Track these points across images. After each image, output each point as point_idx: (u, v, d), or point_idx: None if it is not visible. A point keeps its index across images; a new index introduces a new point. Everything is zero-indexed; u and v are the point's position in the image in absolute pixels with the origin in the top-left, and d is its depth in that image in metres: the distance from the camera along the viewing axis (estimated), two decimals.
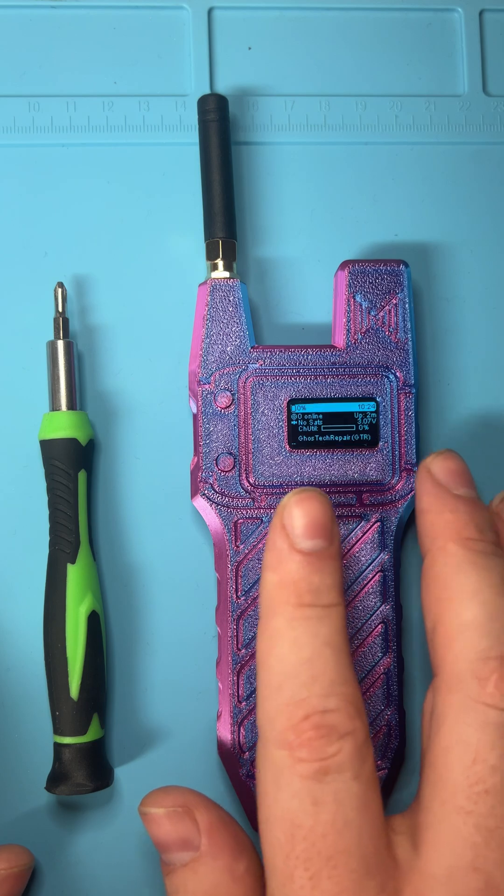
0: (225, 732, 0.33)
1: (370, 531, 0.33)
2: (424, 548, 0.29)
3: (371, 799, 0.26)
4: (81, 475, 0.33)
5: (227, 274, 0.34)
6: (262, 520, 0.33)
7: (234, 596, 0.33)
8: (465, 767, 0.25)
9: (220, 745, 0.33)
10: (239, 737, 0.32)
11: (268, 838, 0.26)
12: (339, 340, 0.34)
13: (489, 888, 0.25)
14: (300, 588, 0.27)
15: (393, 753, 0.33)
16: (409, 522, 0.35)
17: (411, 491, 0.33)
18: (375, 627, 0.33)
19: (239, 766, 0.32)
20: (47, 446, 0.34)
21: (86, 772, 0.32)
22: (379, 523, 0.33)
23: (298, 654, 0.26)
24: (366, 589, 0.33)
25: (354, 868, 0.25)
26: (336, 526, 0.28)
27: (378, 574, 0.33)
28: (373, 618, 0.33)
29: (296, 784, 0.25)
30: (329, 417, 0.33)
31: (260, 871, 0.28)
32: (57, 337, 0.34)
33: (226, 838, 0.28)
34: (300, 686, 0.26)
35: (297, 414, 0.33)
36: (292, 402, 0.33)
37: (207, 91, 0.36)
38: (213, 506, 0.33)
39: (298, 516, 0.27)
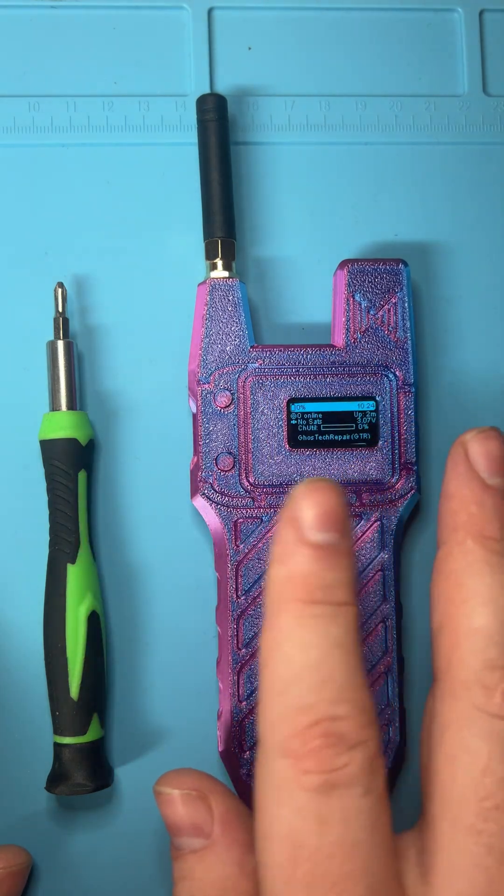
0: (225, 732, 0.33)
1: (370, 530, 0.33)
2: (442, 537, 0.26)
3: (382, 818, 0.23)
4: (81, 475, 0.33)
5: (226, 273, 0.34)
6: (261, 519, 0.33)
7: (235, 595, 0.33)
8: (474, 780, 0.23)
9: (221, 745, 0.33)
10: (239, 736, 0.32)
11: (266, 859, 0.23)
12: (339, 340, 0.34)
13: None
14: (310, 583, 0.24)
15: (393, 753, 0.33)
16: (409, 521, 0.35)
17: (411, 490, 0.33)
18: (375, 627, 0.33)
19: (239, 765, 0.32)
20: (47, 446, 0.34)
21: (86, 772, 0.32)
22: (378, 522, 0.33)
23: (307, 656, 0.23)
24: (366, 588, 0.33)
25: None
26: (349, 519, 0.25)
27: (378, 573, 0.33)
28: (373, 617, 0.33)
29: (300, 798, 0.23)
30: (328, 417, 0.33)
31: None
32: (57, 337, 0.34)
33: (240, 831, 0.27)
34: (307, 690, 0.23)
35: (296, 413, 0.33)
36: (292, 401, 0.33)
37: (207, 91, 0.36)
38: (212, 505, 0.33)
39: (309, 507, 0.24)
